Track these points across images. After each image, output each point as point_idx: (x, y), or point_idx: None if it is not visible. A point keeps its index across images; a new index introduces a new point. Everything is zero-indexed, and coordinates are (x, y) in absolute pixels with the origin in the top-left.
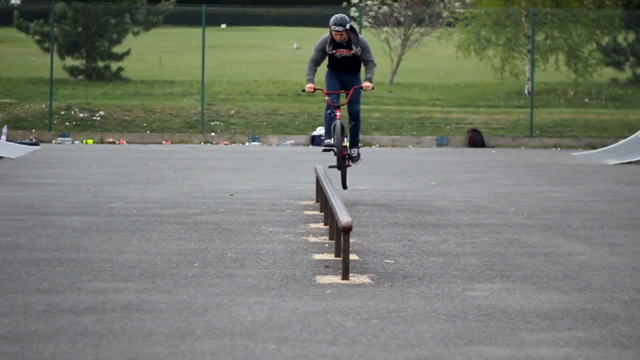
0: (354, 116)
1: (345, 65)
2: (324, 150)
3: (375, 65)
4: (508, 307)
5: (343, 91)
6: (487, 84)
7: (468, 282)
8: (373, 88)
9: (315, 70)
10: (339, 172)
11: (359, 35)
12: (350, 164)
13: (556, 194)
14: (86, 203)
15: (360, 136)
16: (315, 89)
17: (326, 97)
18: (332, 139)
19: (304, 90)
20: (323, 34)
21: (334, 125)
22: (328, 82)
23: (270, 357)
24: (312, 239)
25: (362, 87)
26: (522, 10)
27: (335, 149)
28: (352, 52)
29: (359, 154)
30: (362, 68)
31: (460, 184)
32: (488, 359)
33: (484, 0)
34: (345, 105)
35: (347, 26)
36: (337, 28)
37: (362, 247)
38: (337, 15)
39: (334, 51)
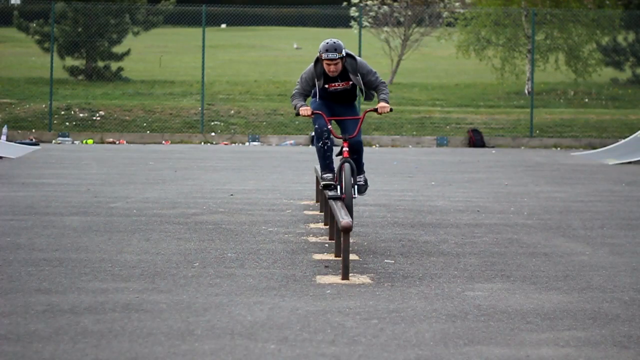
0: (357, 149)
1: (339, 97)
2: (325, 188)
3: (386, 85)
4: (508, 307)
5: (355, 116)
6: (487, 84)
7: (468, 282)
8: (391, 110)
9: (305, 98)
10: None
11: (357, 58)
12: (356, 195)
13: (556, 194)
14: (86, 203)
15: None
16: (314, 112)
17: (328, 125)
18: (332, 173)
19: (298, 114)
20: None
21: (344, 169)
22: (316, 109)
23: (270, 357)
24: (312, 239)
25: (376, 110)
26: (522, 10)
27: (336, 189)
28: (351, 83)
29: (365, 181)
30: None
31: (460, 184)
32: (488, 359)
33: (484, 0)
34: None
35: (343, 52)
36: (329, 55)
37: (362, 247)
38: (328, 40)
39: (326, 86)
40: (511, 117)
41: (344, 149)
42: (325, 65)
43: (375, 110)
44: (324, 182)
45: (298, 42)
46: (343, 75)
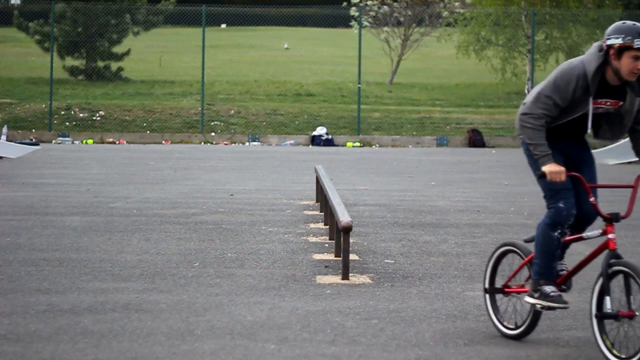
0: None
1: (578, 129)
2: (548, 308)
3: None
4: None
5: (627, 185)
6: (487, 84)
7: (468, 282)
8: None
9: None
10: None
11: None
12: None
13: None
14: (86, 203)
15: (361, 136)
16: (573, 175)
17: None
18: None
19: (543, 176)
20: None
21: None
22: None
23: (270, 357)
24: (312, 239)
25: None
26: (521, 10)
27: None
28: (622, 104)
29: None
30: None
31: (460, 184)
32: (488, 359)
33: (484, 1)
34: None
35: None
36: None
37: (362, 247)
38: (627, 22)
39: (591, 102)
40: (511, 117)
41: (610, 236)
42: (627, 62)
43: None
44: (550, 300)
45: (298, 42)
46: (621, 89)
